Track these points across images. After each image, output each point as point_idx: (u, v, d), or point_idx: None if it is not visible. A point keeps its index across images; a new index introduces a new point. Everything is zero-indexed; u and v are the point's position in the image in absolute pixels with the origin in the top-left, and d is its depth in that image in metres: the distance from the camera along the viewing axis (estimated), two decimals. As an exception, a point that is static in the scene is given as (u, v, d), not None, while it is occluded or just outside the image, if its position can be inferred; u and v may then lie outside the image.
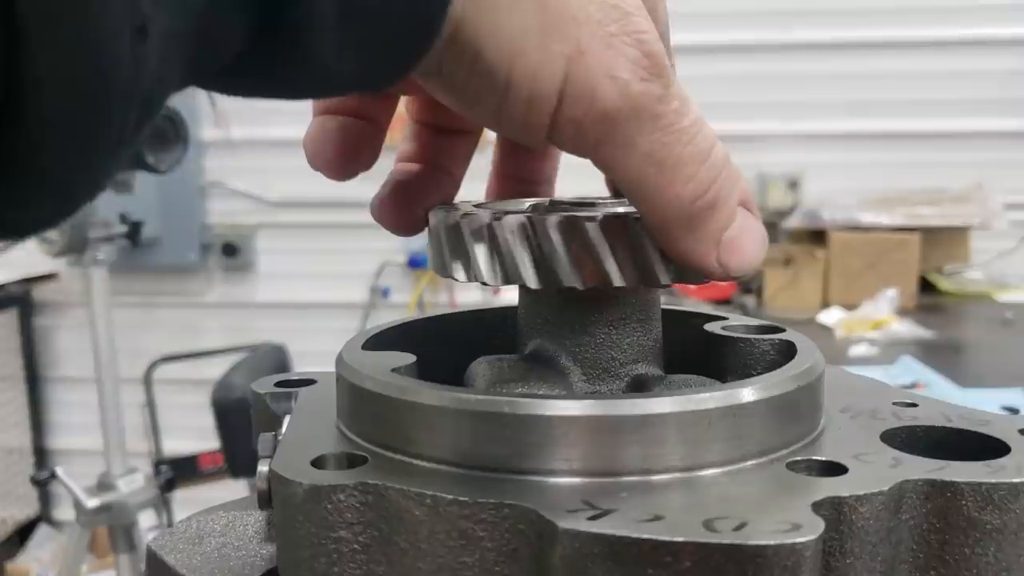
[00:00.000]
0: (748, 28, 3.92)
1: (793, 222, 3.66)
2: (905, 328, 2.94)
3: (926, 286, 3.55)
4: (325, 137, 0.48)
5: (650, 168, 0.38)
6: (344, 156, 0.48)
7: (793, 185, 3.86)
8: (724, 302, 3.45)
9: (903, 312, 3.14)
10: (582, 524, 0.32)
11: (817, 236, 3.58)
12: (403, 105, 0.52)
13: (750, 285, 3.53)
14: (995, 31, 3.84)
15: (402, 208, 0.50)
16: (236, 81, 0.34)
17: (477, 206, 0.48)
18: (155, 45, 0.26)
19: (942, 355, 2.73)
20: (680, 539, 0.31)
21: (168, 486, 2.99)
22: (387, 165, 0.51)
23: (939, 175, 3.77)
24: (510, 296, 0.49)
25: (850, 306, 3.21)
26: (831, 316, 3.16)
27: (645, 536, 0.31)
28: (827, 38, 3.91)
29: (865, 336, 2.90)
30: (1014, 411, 2.14)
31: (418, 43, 0.34)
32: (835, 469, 0.38)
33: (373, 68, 0.34)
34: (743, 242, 0.40)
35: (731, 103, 3.90)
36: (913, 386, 2.38)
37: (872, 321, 3.02)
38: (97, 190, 0.29)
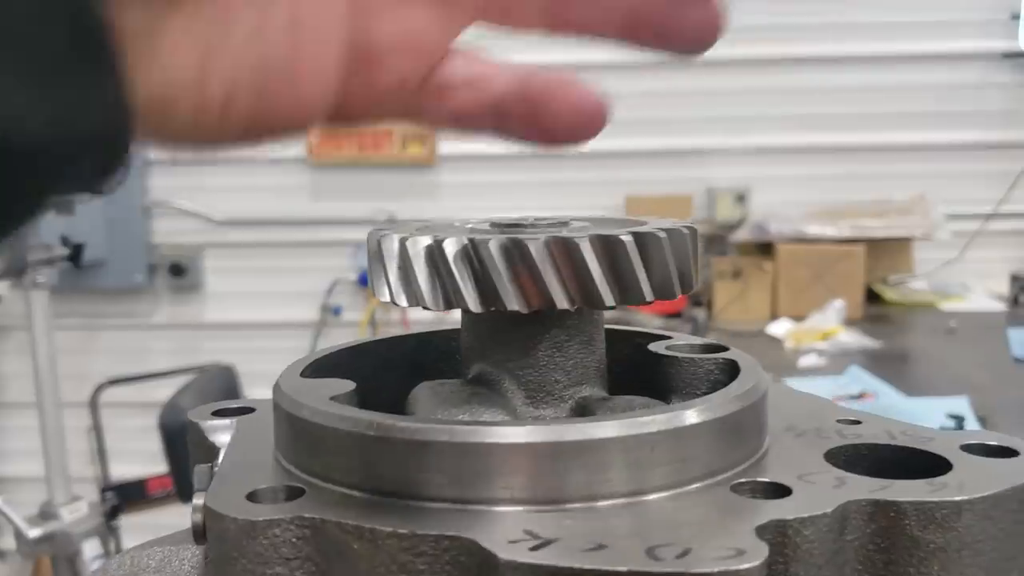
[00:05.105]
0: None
1: (741, 235, 3.70)
2: (852, 338, 2.98)
3: (872, 296, 3.61)
4: None
5: None
6: None
7: (740, 198, 3.90)
8: (675, 315, 3.46)
9: (850, 322, 3.18)
10: (523, 555, 0.32)
11: (765, 248, 3.62)
12: None
13: (700, 298, 3.55)
14: (934, 46, 3.92)
15: None
16: None
17: (416, 229, 0.47)
18: None
19: (888, 364, 2.77)
20: (623, 568, 0.31)
21: (113, 513, 2.92)
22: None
23: (883, 187, 3.83)
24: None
25: (798, 317, 3.25)
26: (780, 327, 3.19)
27: (588, 566, 0.31)
28: (771, 53, 3.96)
29: (814, 347, 2.93)
30: (959, 418, 2.17)
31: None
32: (779, 491, 0.37)
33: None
34: None
35: (678, 119, 3.95)
36: (861, 395, 2.40)
37: (820, 332, 3.05)
38: None
